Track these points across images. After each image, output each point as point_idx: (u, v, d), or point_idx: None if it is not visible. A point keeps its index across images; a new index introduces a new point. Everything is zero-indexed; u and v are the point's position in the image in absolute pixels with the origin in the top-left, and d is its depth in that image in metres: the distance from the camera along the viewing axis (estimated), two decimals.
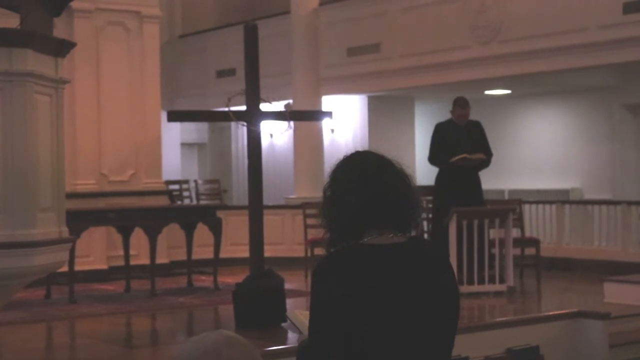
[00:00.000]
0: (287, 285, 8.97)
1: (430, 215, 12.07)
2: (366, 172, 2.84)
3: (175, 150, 19.30)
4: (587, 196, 15.93)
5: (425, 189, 12.28)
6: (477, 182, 11.30)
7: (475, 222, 10.46)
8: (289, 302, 8.76)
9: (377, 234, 2.79)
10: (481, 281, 10.53)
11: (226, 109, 8.39)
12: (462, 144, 11.04)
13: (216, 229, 11.70)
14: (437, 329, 2.76)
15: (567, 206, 13.76)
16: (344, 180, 2.85)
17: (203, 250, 12.52)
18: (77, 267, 11.04)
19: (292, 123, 8.99)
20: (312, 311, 2.73)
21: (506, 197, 16.39)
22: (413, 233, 2.88)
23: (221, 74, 18.12)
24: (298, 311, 3.21)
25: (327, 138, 16.41)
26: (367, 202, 2.79)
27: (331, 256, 2.79)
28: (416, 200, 2.89)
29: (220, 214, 12.29)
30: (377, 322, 2.67)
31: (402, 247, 2.79)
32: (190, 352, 2.19)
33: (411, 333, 2.71)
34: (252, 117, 8.47)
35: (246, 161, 8.73)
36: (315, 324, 2.72)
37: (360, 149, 3.02)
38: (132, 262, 11.97)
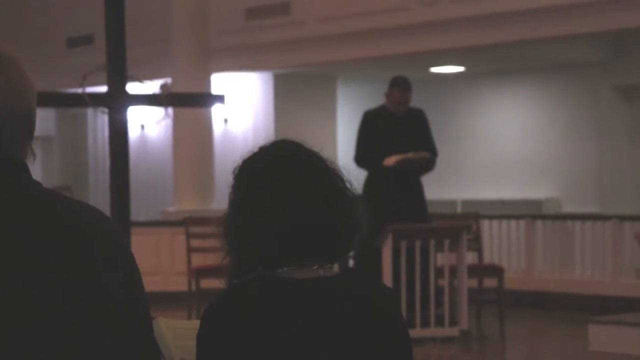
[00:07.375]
0: None
1: None
2: (287, 174, 2.73)
3: None
4: (567, 209, 16.12)
5: None
6: (420, 190, 11.34)
7: (418, 244, 10.51)
8: None
9: (298, 264, 2.68)
10: (425, 323, 10.58)
11: (80, 90, 8.30)
12: (400, 139, 11.07)
13: None
14: None
15: (539, 222, 13.90)
16: (255, 187, 2.71)
17: None
18: None
19: (170, 110, 8.93)
20: None
21: (459, 210, 16.52)
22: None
23: (74, 42, 17.99)
24: (165, 324, 2.97)
25: (218, 130, 16.36)
26: (286, 222, 2.67)
27: (230, 293, 2.68)
28: (356, 218, 2.80)
29: None
30: None
31: (331, 283, 2.69)
32: None
33: None
34: (116, 102, 8.38)
35: (107, 161, 8.63)
36: None
37: (276, 139, 2.92)
38: None
